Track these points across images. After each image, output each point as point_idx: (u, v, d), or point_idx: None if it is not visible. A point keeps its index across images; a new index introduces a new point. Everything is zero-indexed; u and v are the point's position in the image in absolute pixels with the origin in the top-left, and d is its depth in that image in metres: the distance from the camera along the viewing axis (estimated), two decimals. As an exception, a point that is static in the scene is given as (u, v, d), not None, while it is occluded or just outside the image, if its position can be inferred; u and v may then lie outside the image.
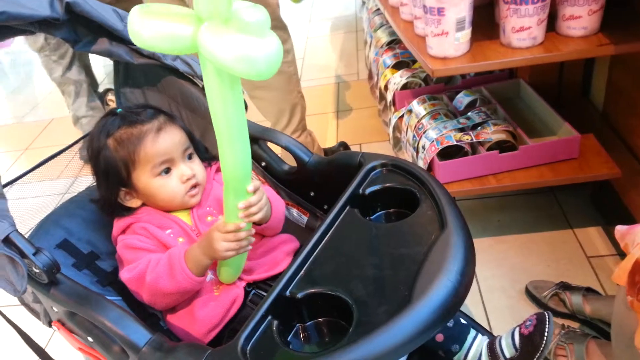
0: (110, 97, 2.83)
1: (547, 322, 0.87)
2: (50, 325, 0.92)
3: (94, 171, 1.02)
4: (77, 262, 1.03)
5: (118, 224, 1.02)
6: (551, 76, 1.75)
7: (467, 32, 1.26)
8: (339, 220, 0.84)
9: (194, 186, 0.99)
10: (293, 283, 0.74)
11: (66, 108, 3.03)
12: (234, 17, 0.61)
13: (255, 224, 0.95)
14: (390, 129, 1.88)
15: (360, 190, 0.89)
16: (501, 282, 1.58)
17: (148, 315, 1.01)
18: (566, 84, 1.75)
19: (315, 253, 0.78)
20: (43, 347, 1.01)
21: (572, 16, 1.24)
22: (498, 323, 1.48)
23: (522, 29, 1.24)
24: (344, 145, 2.29)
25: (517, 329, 0.93)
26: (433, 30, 1.26)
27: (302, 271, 0.75)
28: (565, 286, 1.39)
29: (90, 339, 0.79)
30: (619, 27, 1.26)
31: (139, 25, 0.63)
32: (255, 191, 0.82)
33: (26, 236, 1.02)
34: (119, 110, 1.01)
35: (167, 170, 0.97)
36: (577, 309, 1.33)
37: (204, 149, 1.10)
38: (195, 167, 1.00)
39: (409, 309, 0.64)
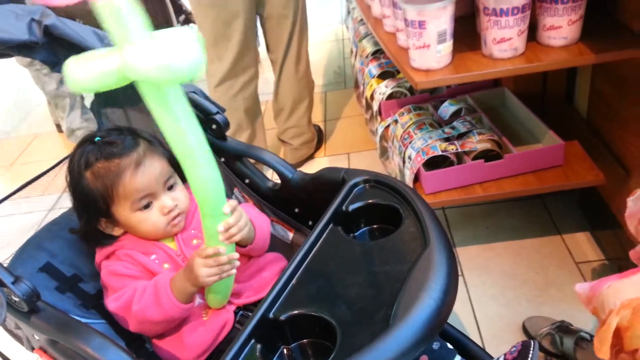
0: None
1: (531, 349, 0.87)
2: (32, 350, 0.91)
3: (73, 200, 1.00)
4: (60, 285, 1.01)
5: (101, 251, 1.00)
6: (535, 84, 1.76)
7: (448, 44, 1.27)
8: (322, 238, 0.83)
9: (177, 216, 0.97)
10: (276, 305, 0.73)
11: (51, 123, 3.02)
12: (152, 36, 0.63)
13: (240, 245, 0.95)
14: (377, 139, 1.88)
15: (344, 207, 0.88)
16: (491, 290, 1.58)
17: (133, 338, 0.99)
18: (550, 92, 1.76)
19: (298, 273, 0.77)
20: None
21: (552, 26, 1.25)
22: (489, 331, 1.48)
23: (503, 40, 1.25)
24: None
25: (503, 356, 0.93)
26: (415, 43, 1.27)
27: (286, 292, 0.75)
28: (561, 328, 1.34)
29: (72, 366, 0.78)
30: (599, 36, 1.27)
31: (74, 71, 0.65)
32: (232, 211, 0.81)
33: (9, 260, 1.01)
34: (97, 138, 0.97)
35: (148, 205, 0.95)
36: (568, 352, 1.29)
37: None
38: (177, 195, 0.97)
39: (392, 330, 0.64)
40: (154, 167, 0.95)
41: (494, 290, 1.59)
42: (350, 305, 0.70)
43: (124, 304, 0.90)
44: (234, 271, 0.84)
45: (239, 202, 1.10)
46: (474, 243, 1.74)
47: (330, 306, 0.71)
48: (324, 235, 0.84)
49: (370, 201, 0.88)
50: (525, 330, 1.43)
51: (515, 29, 1.23)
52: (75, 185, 0.96)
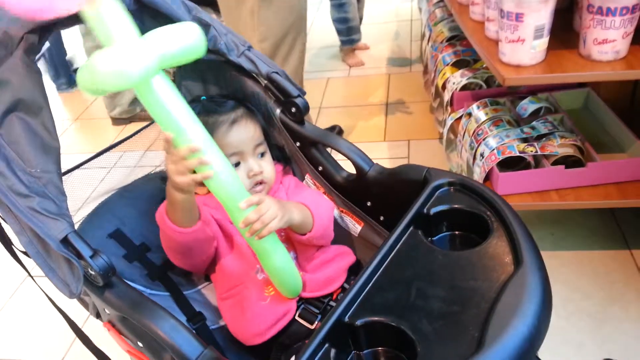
0: None
1: None
2: (97, 317, 0.91)
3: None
4: (128, 253, 1.02)
5: None
6: (624, 88, 1.64)
7: (544, 41, 1.18)
8: (401, 241, 0.79)
9: (260, 183, 0.97)
10: (352, 308, 0.70)
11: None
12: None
13: (300, 234, 0.93)
14: (445, 130, 1.81)
15: (425, 210, 0.84)
16: (553, 301, 1.51)
17: (194, 314, 0.99)
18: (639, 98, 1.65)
19: (376, 277, 0.74)
20: (85, 333, 1.00)
21: (662, 30, 1.15)
22: (545, 343, 1.41)
23: (606, 42, 1.15)
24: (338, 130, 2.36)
25: None
26: (508, 36, 1.18)
27: (362, 296, 0.71)
28: None
29: (140, 344, 0.78)
30: None
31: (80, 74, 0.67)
32: (255, 204, 0.80)
33: (81, 221, 1.02)
34: (203, 97, 1.01)
35: (236, 164, 0.96)
36: None
37: (277, 149, 1.07)
38: (265, 165, 0.98)
39: (481, 354, 0.59)
40: (249, 129, 0.98)
41: (555, 301, 1.49)
42: (432, 320, 0.66)
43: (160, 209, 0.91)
44: (209, 172, 0.76)
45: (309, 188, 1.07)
46: (537, 248, 1.67)
47: (410, 318, 0.67)
48: (404, 238, 0.79)
49: (455, 206, 0.83)
50: None
51: (621, 30, 1.13)
52: None
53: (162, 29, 0.72)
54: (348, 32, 2.95)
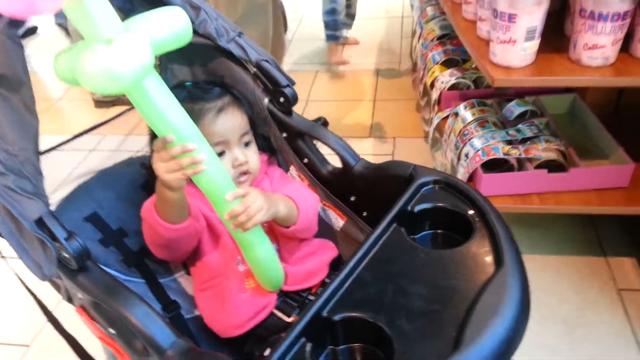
0: None
1: None
2: (69, 301, 0.89)
3: (152, 136, 0.98)
4: (105, 237, 1.00)
5: None
6: (609, 94, 1.66)
7: (535, 43, 1.18)
8: (384, 238, 0.78)
9: (245, 173, 0.95)
10: (331, 303, 0.69)
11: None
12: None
13: (284, 226, 0.92)
14: (431, 129, 1.81)
15: (409, 207, 0.83)
16: (528, 303, 1.52)
17: (169, 302, 0.98)
18: (625, 105, 1.66)
19: (356, 272, 0.73)
20: (56, 317, 0.98)
21: (651, 39, 1.16)
22: (519, 348, 1.42)
23: (596, 47, 1.15)
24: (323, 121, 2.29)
25: None
26: (500, 36, 1.18)
27: (342, 291, 0.70)
28: None
29: (112, 330, 0.76)
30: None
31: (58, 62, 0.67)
32: (240, 196, 0.79)
33: (58, 203, 1.00)
34: (188, 83, 0.97)
35: (221, 154, 0.93)
36: None
37: (263, 139, 1.05)
38: (250, 155, 0.96)
39: (458, 354, 0.59)
40: (235, 117, 0.95)
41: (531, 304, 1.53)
42: (410, 318, 0.66)
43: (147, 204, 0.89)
44: (201, 167, 0.74)
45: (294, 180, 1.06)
46: (515, 251, 1.67)
47: (389, 315, 0.66)
48: (387, 235, 0.79)
49: (439, 204, 0.83)
50: None
51: (611, 36, 1.14)
52: None
53: (147, 16, 0.69)
54: (335, 26, 2.91)
